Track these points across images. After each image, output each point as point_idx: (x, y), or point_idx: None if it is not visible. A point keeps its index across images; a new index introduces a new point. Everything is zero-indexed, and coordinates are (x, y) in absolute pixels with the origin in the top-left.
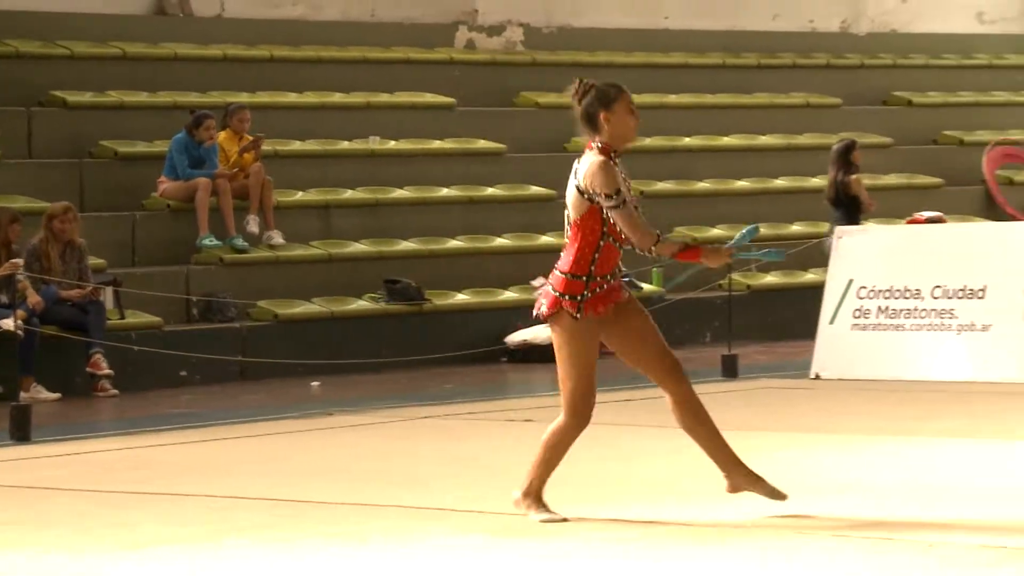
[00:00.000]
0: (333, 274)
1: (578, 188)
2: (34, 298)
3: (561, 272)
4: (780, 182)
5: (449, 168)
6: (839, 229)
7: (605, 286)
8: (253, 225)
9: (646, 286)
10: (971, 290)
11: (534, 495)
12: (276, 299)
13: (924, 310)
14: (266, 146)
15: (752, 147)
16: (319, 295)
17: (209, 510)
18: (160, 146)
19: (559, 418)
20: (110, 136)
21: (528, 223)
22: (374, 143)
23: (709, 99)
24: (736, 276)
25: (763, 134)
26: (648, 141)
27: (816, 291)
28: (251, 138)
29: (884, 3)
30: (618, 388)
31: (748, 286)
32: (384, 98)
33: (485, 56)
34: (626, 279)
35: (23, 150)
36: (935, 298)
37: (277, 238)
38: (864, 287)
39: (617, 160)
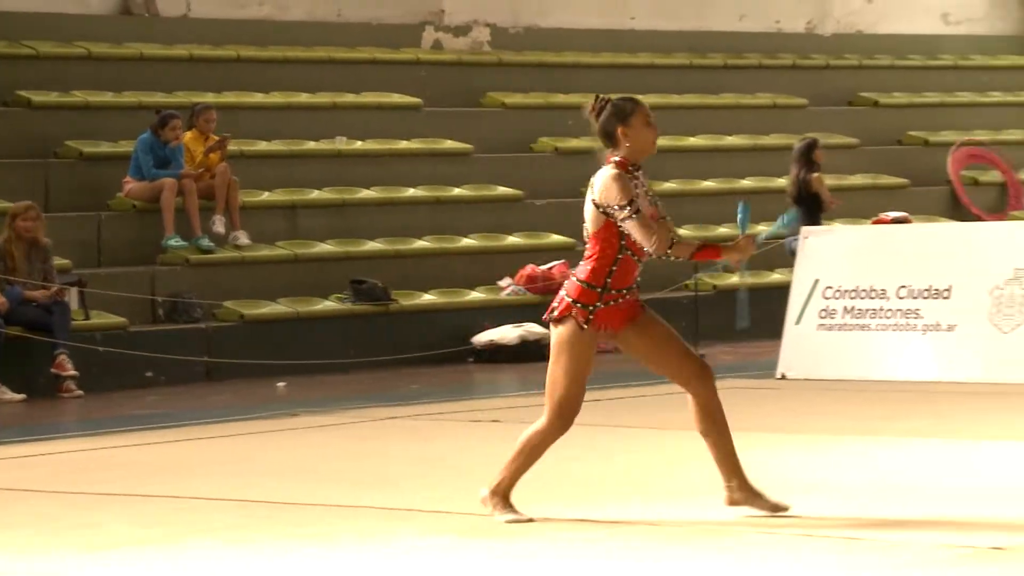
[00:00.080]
0: (299, 274)
1: (594, 203)
2: None
3: (578, 280)
4: (747, 182)
5: (416, 168)
6: (805, 229)
7: (620, 300)
8: (219, 225)
9: None
10: (936, 290)
11: (502, 494)
12: (242, 299)
13: (890, 310)
14: (232, 146)
15: (718, 147)
16: (285, 295)
17: (176, 511)
18: (125, 146)
19: (540, 420)
20: (75, 136)
21: (495, 223)
22: (340, 143)
23: (675, 99)
24: (702, 276)
25: (729, 134)
26: None
27: (782, 291)
28: (217, 138)
29: (850, 4)
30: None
31: (714, 286)
32: (350, 98)
33: (452, 56)
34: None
35: None
36: (900, 298)
37: (243, 238)
38: (830, 287)
39: (638, 172)
